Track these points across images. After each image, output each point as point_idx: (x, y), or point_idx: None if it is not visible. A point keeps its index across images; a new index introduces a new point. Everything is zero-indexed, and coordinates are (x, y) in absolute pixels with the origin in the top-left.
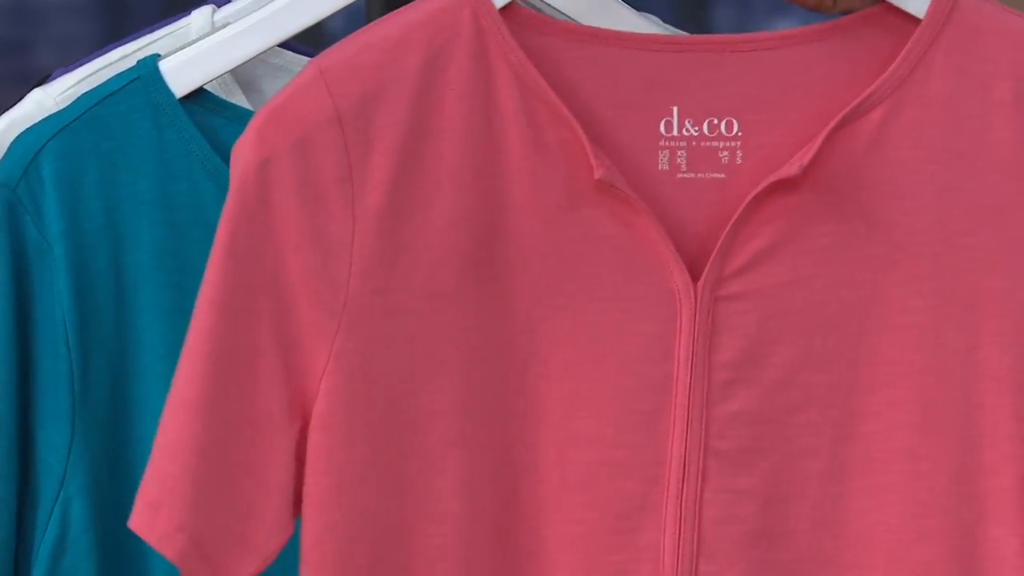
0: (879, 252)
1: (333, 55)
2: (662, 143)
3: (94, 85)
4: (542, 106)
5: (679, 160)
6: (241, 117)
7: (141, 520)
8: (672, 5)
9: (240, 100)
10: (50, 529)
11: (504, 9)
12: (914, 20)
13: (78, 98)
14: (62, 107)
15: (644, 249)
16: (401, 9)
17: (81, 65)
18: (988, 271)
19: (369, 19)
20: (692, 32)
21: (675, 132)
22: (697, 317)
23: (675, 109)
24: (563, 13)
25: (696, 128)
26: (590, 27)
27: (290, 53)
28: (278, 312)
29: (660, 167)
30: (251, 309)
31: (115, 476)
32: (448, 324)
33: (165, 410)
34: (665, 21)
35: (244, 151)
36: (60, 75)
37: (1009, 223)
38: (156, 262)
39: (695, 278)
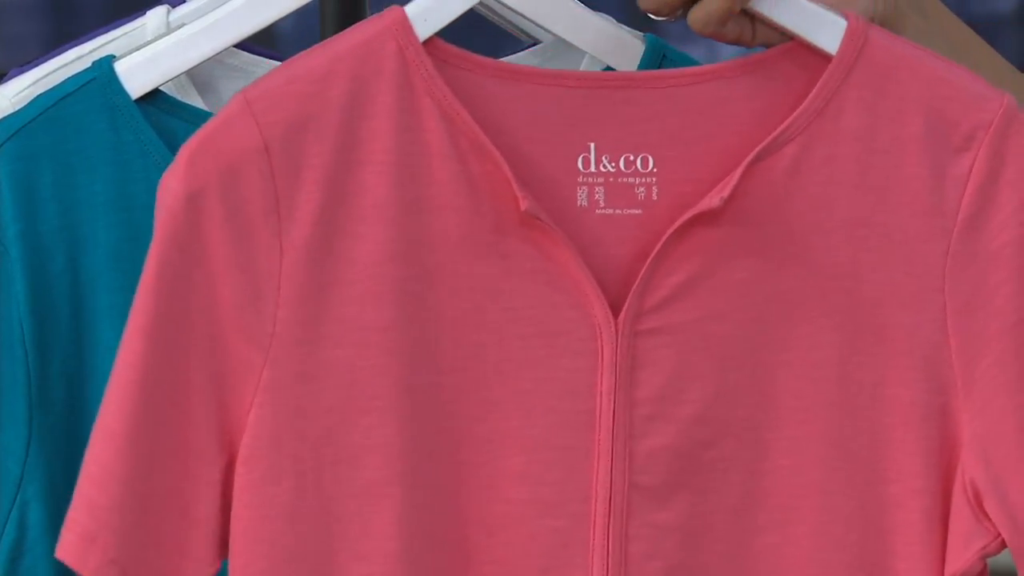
0: (792, 287)
1: (260, 85)
2: (580, 179)
3: (50, 86)
4: (466, 141)
5: (597, 196)
6: (197, 118)
7: (74, 551)
8: (623, 6)
9: (196, 101)
10: (7, 532)
11: (427, 43)
12: (827, 56)
13: (34, 99)
14: (17, 108)
15: (567, 284)
16: (327, 40)
17: (36, 65)
18: (896, 306)
19: (323, 20)
20: (644, 31)
21: (592, 168)
22: (618, 352)
23: (592, 145)
24: (519, 13)
25: (613, 164)
26: (510, 64)
27: (246, 54)
28: (207, 344)
29: (579, 203)
30: (181, 340)
31: (72, 479)
32: (379, 360)
33: (93, 438)
34: (619, 21)
35: (172, 182)
36: (15, 75)
37: (917, 258)
38: (113, 263)
39: (616, 313)
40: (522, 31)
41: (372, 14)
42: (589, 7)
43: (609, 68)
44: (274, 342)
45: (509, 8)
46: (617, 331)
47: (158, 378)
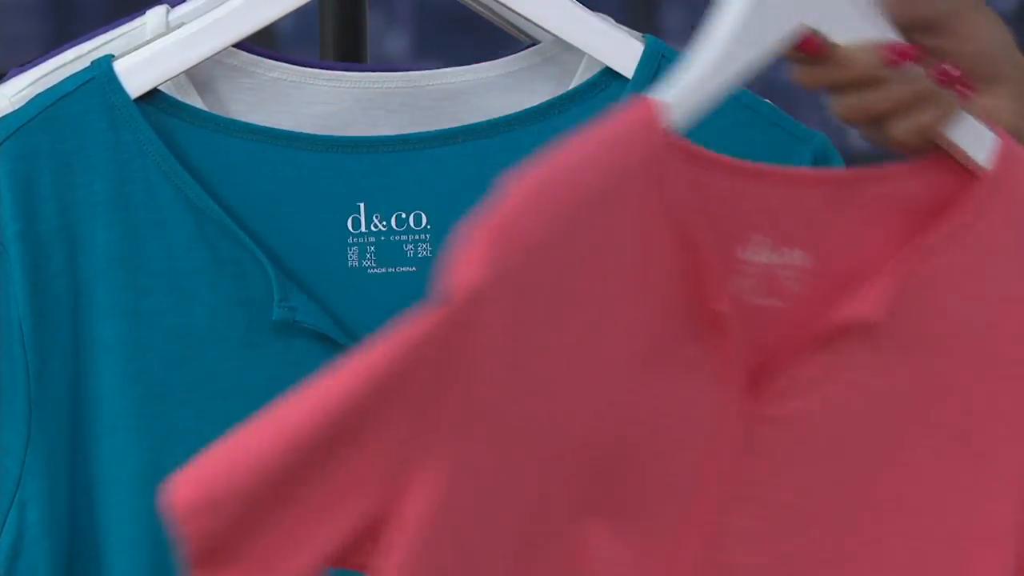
0: (913, 395)
1: (540, 174)
2: (738, 268)
3: (49, 85)
4: (679, 237)
5: (750, 285)
6: (197, 118)
7: (193, 508)
8: (623, 6)
9: (195, 101)
10: (6, 532)
11: (669, 138)
12: (978, 169)
13: (32, 99)
14: (16, 108)
15: (708, 365)
16: (587, 131)
17: (36, 65)
18: (1005, 427)
19: (323, 20)
20: (643, 32)
21: (749, 258)
22: (736, 434)
23: (753, 237)
24: (518, 13)
25: (768, 256)
26: (726, 157)
27: (246, 54)
28: (420, 411)
29: (734, 291)
30: (401, 400)
31: (72, 478)
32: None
33: (261, 424)
34: (617, 22)
35: (466, 266)
36: (15, 75)
37: None
38: (112, 263)
39: (744, 398)
40: (521, 31)
41: (372, 15)
42: (588, 7)
43: (608, 68)
44: (471, 414)
45: (508, 8)
46: (740, 414)
47: (362, 415)
